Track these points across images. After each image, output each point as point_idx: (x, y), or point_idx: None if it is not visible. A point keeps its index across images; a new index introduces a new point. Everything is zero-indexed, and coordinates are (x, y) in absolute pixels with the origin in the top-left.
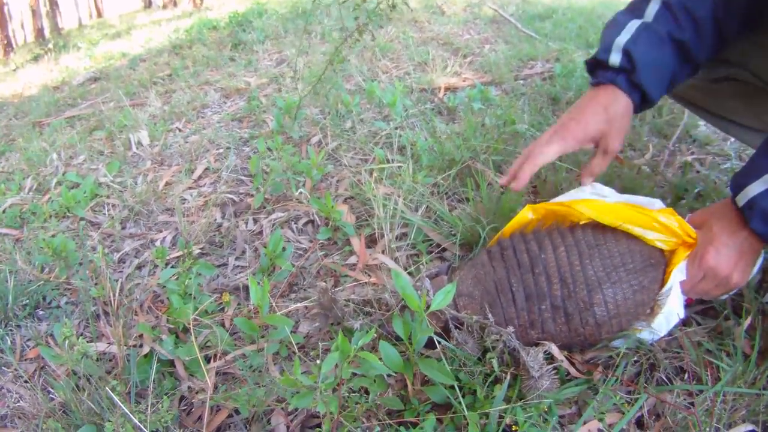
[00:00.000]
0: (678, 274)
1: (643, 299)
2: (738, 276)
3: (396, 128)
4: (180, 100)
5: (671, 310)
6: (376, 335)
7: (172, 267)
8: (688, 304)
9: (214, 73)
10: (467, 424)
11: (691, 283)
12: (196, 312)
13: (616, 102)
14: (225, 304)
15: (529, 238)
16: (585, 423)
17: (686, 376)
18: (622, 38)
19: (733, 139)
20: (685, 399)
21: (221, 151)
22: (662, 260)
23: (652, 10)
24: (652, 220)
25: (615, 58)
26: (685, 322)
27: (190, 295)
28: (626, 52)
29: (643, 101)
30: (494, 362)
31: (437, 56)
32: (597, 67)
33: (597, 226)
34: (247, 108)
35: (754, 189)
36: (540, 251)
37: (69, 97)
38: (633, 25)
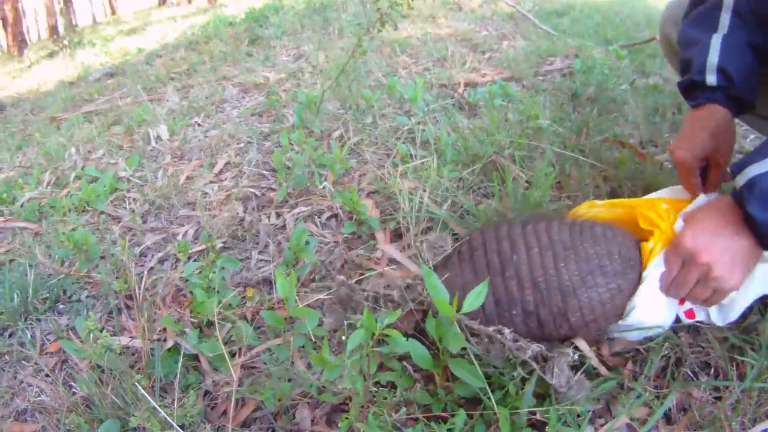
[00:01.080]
0: (655, 268)
1: (622, 302)
2: (721, 269)
3: (418, 123)
4: (198, 95)
5: (637, 303)
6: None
7: (195, 261)
8: (689, 317)
9: (231, 68)
10: (497, 419)
11: (671, 273)
12: (220, 305)
13: (718, 118)
14: (249, 299)
15: (502, 236)
16: (614, 419)
17: (712, 371)
18: (713, 58)
19: (752, 137)
20: (710, 394)
21: (242, 145)
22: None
23: (725, 21)
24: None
25: (711, 79)
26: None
27: (214, 288)
28: (721, 71)
29: (739, 108)
30: (520, 371)
31: (455, 52)
32: (693, 88)
33: (575, 224)
34: (266, 103)
35: (756, 169)
36: (512, 252)
37: (85, 93)
38: (716, 40)
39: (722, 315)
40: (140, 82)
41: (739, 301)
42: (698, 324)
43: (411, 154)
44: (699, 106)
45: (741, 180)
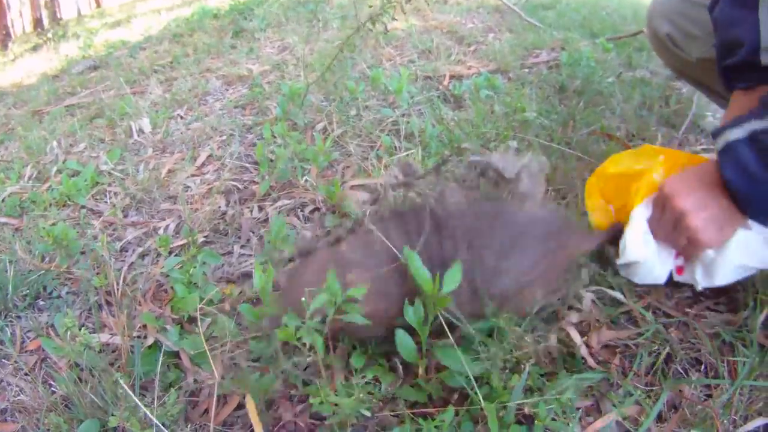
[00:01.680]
0: (645, 208)
1: (553, 263)
2: (695, 219)
3: (402, 115)
4: (181, 88)
5: (627, 239)
6: None
7: (176, 255)
8: (678, 274)
9: (215, 60)
10: (485, 415)
11: (654, 216)
12: (202, 302)
13: None
14: (228, 295)
15: (435, 204)
16: (604, 416)
17: (702, 367)
18: (766, 36)
19: (719, 114)
20: (702, 391)
21: (224, 138)
22: (569, 225)
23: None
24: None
25: (767, 58)
26: (698, 314)
27: (195, 284)
28: None
29: None
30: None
31: (441, 44)
32: (742, 69)
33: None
34: (249, 95)
35: (733, 134)
36: (447, 217)
37: (68, 86)
38: (765, 16)
39: (706, 278)
40: (123, 74)
41: (720, 265)
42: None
43: (395, 146)
44: (749, 88)
45: (719, 144)
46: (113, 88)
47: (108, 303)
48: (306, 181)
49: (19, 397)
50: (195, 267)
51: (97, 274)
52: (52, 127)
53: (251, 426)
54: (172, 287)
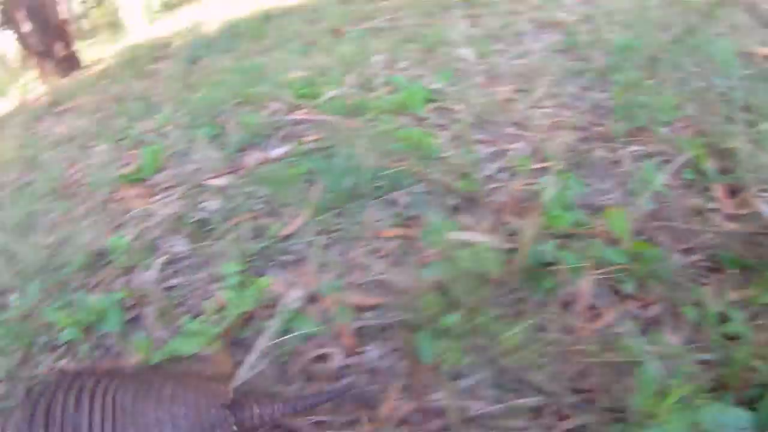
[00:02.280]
0: None
1: None
2: None
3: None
4: (490, 25)
5: None
6: None
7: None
8: None
9: (517, 5)
10: None
11: None
12: (572, 222)
13: None
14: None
15: (73, 391)
16: None
17: None
18: None
19: None
20: None
21: (554, 78)
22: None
23: None
24: None
25: None
26: None
27: (564, 205)
28: None
29: None
30: None
31: None
32: None
33: (142, 383)
34: (567, 41)
35: None
36: (77, 415)
37: (360, 11)
38: None
39: None
40: (420, 6)
41: None
42: None
43: None
44: None
45: None
46: (411, 16)
47: (467, 207)
48: (662, 131)
49: (379, 276)
50: (567, 189)
51: (455, 179)
52: (359, 45)
53: None
54: (540, 203)
